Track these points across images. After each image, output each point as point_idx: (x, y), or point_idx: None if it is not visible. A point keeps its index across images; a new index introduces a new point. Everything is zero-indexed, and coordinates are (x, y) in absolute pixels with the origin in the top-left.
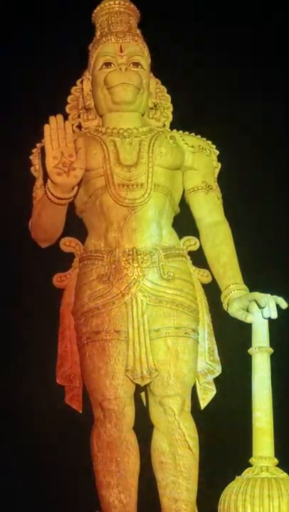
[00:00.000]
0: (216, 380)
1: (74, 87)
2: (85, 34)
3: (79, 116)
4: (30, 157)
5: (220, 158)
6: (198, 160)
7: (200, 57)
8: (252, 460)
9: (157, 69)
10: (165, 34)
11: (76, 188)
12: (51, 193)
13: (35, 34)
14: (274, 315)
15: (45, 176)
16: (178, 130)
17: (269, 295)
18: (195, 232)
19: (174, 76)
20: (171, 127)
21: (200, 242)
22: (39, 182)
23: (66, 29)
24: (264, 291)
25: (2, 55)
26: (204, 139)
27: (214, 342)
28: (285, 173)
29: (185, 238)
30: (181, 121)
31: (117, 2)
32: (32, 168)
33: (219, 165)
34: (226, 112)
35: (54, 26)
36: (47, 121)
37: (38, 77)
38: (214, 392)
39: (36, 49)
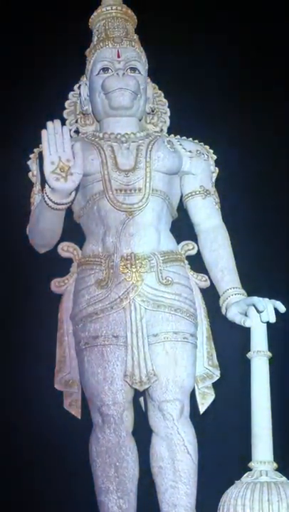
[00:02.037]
0: (215, 385)
1: (71, 92)
2: (83, 39)
3: (76, 122)
4: (28, 162)
5: (217, 163)
6: (196, 165)
7: (198, 61)
8: (251, 464)
9: (155, 73)
10: (163, 38)
11: (74, 193)
12: (49, 198)
13: (35, 38)
14: (272, 319)
15: (43, 181)
16: (175, 135)
17: (267, 299)
18: (193, 236)
19: (171, 80)
20: (169, 132)
21: (198, 247)
22: (36, 187)
23: (65, 34)
24: (262, 295)
25: (2, 58)
26: (202, 143)
27: (213, 346)
28: (285, 175)
29: (183, 243)
30: (179, 126)
31: (114, 8)
32: (29, 174)
33: (217, 170)
34: (224, 116)
35: (53, 31)
36: (44, 127)
37: (37, 82)
38: (213, 396)
39: (35, 52)
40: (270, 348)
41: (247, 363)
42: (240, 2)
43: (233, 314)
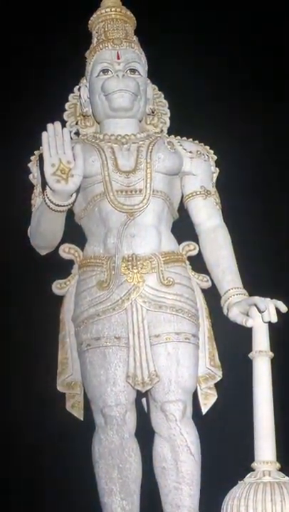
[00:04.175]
0: (217, 385)
1: (71, 94)
2: (83, 41)
3: (77, 123)
4: (29, 165)
5: (218, 163)
6: (196, 165)
7: (198, 62)
8: (254, 465)
9: (154, 74)
10: (162, 39)
11: (75, 195)
12: (50, 200)
13: (35, 39)
14: (274, 319)
15: (44, 183)
16: (175, 136)
17: (268, 299)
18: (194, 237)
19: (171, 81)
20: (169, 133)
21: (199, 247)
22: (37, 189)
23: (65, 35)
24: (264, 295)
25: (2, 59)
26: (202, 144)
27: (215, 347)
28: (285, 176)
29: (184, 243)
30: (179, 127)
31: (113, 9)
32: (30, 176)
33: (217, 170)
34: (224, 117)
35: (53, 32)
36: (45, 129)
37: (36, 84)
38: (215, 397)
39: (35, 54)
40: (272, 348)
41: (249, 363)
42: (240, 2)
43: (235, 314)
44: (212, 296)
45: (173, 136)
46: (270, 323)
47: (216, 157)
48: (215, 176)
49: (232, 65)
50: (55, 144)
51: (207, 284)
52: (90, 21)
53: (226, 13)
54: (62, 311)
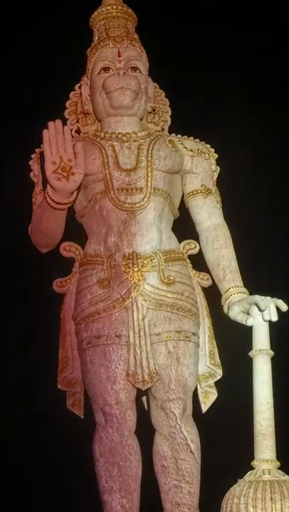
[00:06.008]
0: (217, 384)
1: (72, 92)
2: (84, 39)
3: (78, 121)
4: (30, 162)
5: (218, 162)
6: (197, 164)
7: (199, 60)
8: (254, 463)
9: (155, 72)
10: (164, 37)
11: (75, 193)
12: (50, 198)
13: (35, 37)
14: (274, 318)
15: (45, 181)
16: (176, 134)
17: (269, 298)
18: (195, 235)
19: (172, 79)
20: (170, 131)
21: (200, 246)
22: (38, 187)
23: (66, 33)
24: (264, 293)
25: (2, 58)
26: (203, 142)
27: (215, 345)
28: (286, 174)
29: (185, 242)
30: (180, 125)
31: (114, 7)
32: (31, 174)
33: (218, 168)
34: (225, 115)
35: (54, 30)
36: (46, 127)
37: (37, 82)
38: (215, 395)
39: (36, 52)
40: (272, 346)
41: (249, 362)
42: (240, 1)
43: (235, 313)
44: (212, 294)
45: (174, 134)
46: (270, 322)
47: (216, 155)
48: (216, 174)
49: (233, 63)
50: (56, 141)
51: (208, 283)
52: (91, 19)
53: (226, 11)
54: (62, 309)
